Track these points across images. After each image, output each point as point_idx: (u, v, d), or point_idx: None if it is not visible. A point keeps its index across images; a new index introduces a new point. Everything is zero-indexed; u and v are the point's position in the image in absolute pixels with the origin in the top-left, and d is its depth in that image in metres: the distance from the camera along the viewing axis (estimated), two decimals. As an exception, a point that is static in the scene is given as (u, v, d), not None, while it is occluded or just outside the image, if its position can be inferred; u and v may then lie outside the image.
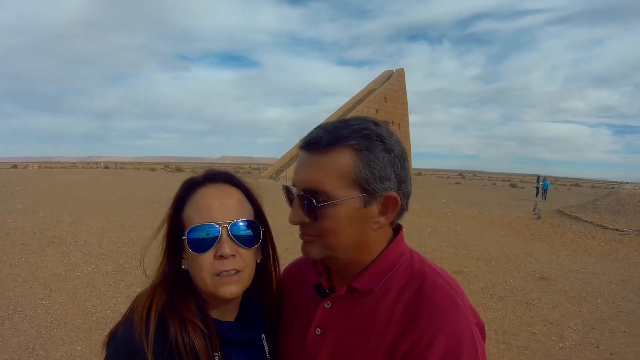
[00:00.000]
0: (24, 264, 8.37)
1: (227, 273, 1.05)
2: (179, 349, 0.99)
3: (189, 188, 1.13)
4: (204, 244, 1.05)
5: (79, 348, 5.06)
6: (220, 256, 1.04)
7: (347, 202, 1.00)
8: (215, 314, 1.12)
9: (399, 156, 1.03)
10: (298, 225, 1.08)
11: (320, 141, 1.01)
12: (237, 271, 1.07)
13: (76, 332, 5.46)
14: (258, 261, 1.18)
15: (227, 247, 1.05)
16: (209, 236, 1.05)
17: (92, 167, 73.69)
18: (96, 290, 7.08)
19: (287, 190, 1.11)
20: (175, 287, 1.09)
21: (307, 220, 1.04)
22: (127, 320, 1.04)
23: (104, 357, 1.05)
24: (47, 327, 5.55)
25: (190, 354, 1.00)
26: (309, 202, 1.01)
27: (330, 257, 1.06)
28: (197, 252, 1.05)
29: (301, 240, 1.10)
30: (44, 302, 6.44)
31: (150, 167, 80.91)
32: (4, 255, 8.92)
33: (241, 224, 1.09)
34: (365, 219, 1.02)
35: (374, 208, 1.02)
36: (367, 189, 0.99)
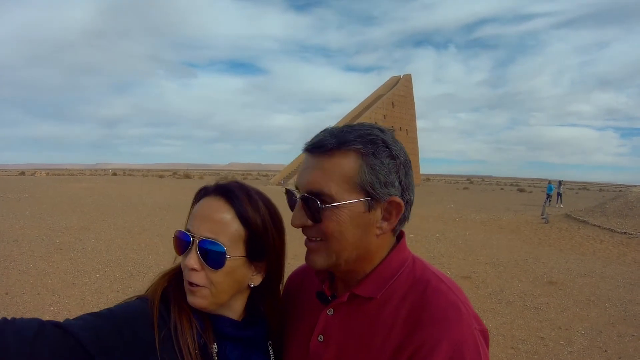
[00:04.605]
0: (32, 270, 8.43)
1: (189, 284, 1.06)
2: (177, 335, 1.02)
3: (201, 195, 1.16)
4: (180, 247, 1.10)
5: (86, 354, 5.06)
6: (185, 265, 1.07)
7: (350, 206, 1.00)
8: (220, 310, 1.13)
9: (404, 163, 1.03)
10: (300, 229, 1.08)
11: (326, 144, 1.01)
12: (199, 286, 1.06)
13: (84, 339, 5.46)
14: (252, 285, 1.15)
15: (192, 259, 1.05)
16: (184, 242, 1.08)
17: (100, 174, 74.05)
18: (104, 296, 7.10)
19: (289, 193, 1.11)
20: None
21: (309, 222, 1.03)
22: (144, 297, 1.09)
23: (123, 300, 1.09)
24: (55, 334, 5.57)
25: (188, 341, 1.03)
26: (313, 204, 1.01)
27: (333, 265, 1.06)
28: (176, 252, 1.11)
29: (305, 249, 1.09)
30: (52, 308, 6.49)
31: (159, 174, 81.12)
32: (12, 261, 8.99)
33: (212, 243, 1.05)
34: (369, 224, 1.02)
35: (377, 213, 1.02)
36: (371, 193, 1.00)
